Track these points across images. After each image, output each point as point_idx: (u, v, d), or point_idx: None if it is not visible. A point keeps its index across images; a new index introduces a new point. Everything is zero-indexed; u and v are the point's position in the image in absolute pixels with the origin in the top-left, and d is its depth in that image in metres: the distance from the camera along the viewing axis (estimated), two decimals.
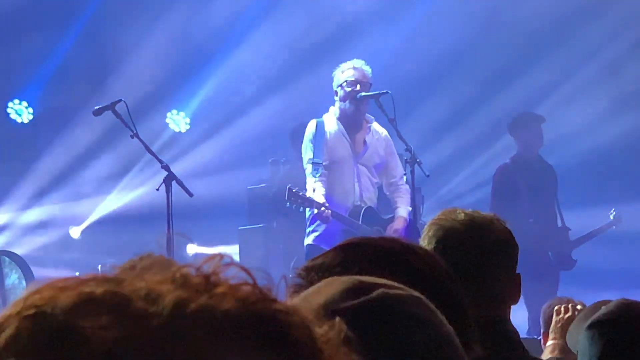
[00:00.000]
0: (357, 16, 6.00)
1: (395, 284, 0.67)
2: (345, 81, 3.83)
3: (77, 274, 0.42)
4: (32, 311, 0.36)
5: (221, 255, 0.40)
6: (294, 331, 0.38)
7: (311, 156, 3.94)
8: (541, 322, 2.47)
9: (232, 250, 5.05)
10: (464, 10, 6.30)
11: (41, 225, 5.80)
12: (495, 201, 4.88)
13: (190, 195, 4.08)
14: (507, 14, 6.23)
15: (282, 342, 0.38)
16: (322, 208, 3.70)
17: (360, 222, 3.81)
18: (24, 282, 4.87)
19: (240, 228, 5.48)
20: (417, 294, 0.66)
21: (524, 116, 5.04)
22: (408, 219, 3.88)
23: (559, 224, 4.96)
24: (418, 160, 3.85)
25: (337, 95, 3.95)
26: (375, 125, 4.05)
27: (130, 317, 0.35)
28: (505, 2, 6.32)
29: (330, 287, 0.67)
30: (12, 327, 0.36)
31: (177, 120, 6.49)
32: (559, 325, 2.13)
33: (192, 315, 0.36)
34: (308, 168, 3.93)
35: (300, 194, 3.78)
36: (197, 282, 0.37)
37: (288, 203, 3.78)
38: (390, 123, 3.89)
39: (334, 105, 4.05)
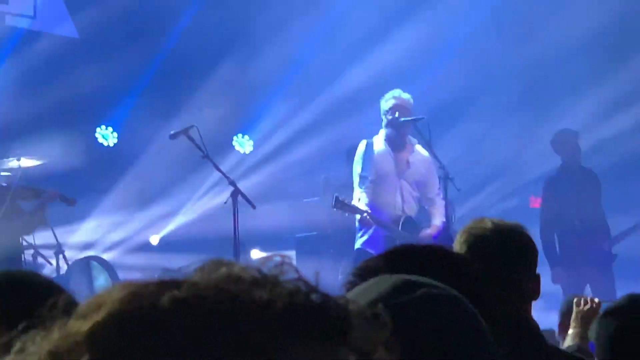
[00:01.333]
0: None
1: (439, 284, 0.67)
2: (389, 109, 4.00)
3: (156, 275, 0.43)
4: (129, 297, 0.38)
5: (281, 257, 0.40)
6: (353, 319, 0.38)
7: (360, 170, 4.14)
8: (559, 314, 2.56)
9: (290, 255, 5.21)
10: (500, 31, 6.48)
11: (125, 233, 6.05)
12: (545, 207, 5.20)
13: (254, 207, 4.26)
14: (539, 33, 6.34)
15: (343, 329, 0.38)
16: (365, 214, 3.84)
17: (400, 229, 3.94)
18: (110, 284, 5.00)
19: (297, 235, 5.64)
20: (456, 293, 0.66)
21: (562, 133, 5.30)
22: (441, 227, 4.01)
23: (602, 222, 5.04)
24: (450, 176, 3.98)
25: (383, 121, 4.12)
26: (418, 147, 4.21)
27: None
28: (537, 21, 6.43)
29: (380, 284, 0.67)
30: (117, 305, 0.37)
31: (242, 143, 6.70)
32: (580, 316, 2.24)
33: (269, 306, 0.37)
34: (356, 181, 4.12)
35: (346, 201, 3.97)
36: (264, 279, 0.38)
37: (335, 209, 3.93)
38: (426, 144, 4.03)
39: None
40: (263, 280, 0.38)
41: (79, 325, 0.37)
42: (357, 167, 4.21)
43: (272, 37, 6.37)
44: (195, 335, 0.36)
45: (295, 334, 0.36)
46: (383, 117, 4.20)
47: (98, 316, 0.36)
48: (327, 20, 6.63)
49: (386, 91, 4.26)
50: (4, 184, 4.68)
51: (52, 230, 4.87)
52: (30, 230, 4.74)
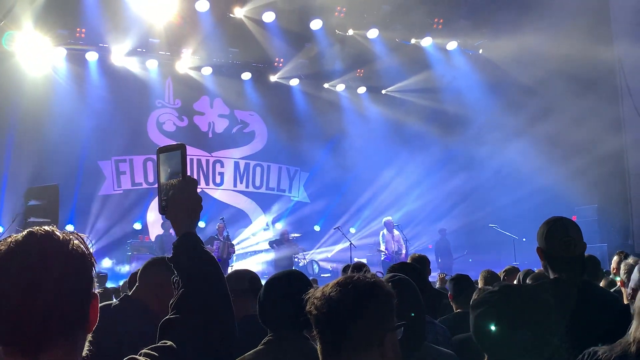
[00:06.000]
0: None
1: (402, 275, 2.31)
2: (386, 222, 14.48)
3: None
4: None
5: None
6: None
7: (381, 240, 14.48)
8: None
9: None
10: None
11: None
12: None
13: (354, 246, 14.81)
14: None
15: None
16: (385, 252, 14.25)
17: (394, 255, 14.35)
18: (316, 271, 15.49)
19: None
20: (408, 278, 2.26)
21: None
22: (405, 254, 14.38)
23: None
24: (407, 240, 14.43)
25: (385, 226, 14.55)
26: (395, 231, 14.63)
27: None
28: None
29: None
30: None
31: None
32: None
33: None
34: (381, 243, 14.40)
35: (378, 248, 14.32)
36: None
37: (377, 251, 14.39)
38: (401, 231, 14.55)
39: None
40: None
41: None
42: (380, 238, 14.51)
43: None
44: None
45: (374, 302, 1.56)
46: (384, 223, 14.50)
47: None
48: None
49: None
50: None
51: (303, 252, 15.26)
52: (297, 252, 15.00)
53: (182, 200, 1.69)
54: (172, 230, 14.27)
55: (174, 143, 1.76)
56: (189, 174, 1.73)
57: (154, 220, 14.91)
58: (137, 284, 3.02)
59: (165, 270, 1.90)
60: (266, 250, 14.68)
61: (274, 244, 14.46)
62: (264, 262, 14.76)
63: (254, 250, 15.86)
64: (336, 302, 1.61)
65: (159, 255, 12.79)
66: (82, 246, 1.25)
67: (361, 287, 1.62)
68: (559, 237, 2.77)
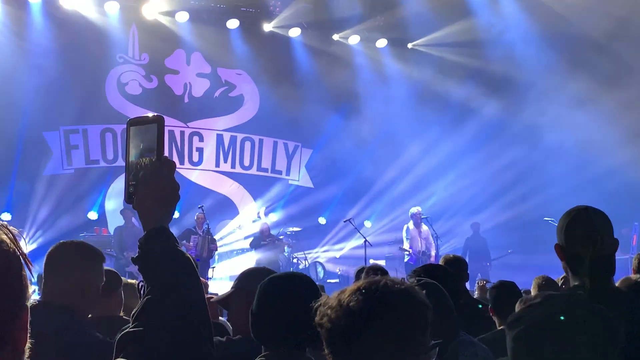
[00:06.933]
0: None
1: (428, 279, 2.97)
2: (412, 213, 14.53)
3: None
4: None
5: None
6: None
7: (405, 235, 14.58)
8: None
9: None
10: None
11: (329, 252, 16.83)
12: None
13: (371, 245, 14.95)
14: None
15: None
16: (410, 251, 14.34)
17: (420, 256, 14.43)
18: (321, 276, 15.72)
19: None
20: (434, 282, 2.92)
21: None
22: (435, 255, 14.39)
23: None
24: (438, 237, 14.49)
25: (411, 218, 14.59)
26: (424, 226, 14.67)
27: None
28: None
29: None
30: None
31: None
32: None
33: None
34: (405, 240, 14.54)
35: (401, 247, 14.44)
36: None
37: (400, 250, 14.50)
38: (428, 224, 14.55)
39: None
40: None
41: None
42: (404, 234, 14.61)
43: None
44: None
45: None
46: (410, 215, 14.62)
47: None
48: None
49: None
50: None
51: (304, 252, 15.61)
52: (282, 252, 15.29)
53: (155, 185, 1.70)
54: (135, 221, 13.59)
55: (151, 114, 1.77)
56: (166, 154, 1.75)
57: (114, 209, 14.91)
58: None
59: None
60: (257, 249, 14.77)
61: (252, 244, 14.61)
62: (253, 263, 14.84)
63: (241, 248, 15.93)
64: (358, 314, 1.61)
65: (117, 253, 13.42)
66: (9, 243, 1.19)
67: (390, 295, 1.62)
68: (582, 230, 2.78)
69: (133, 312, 1.66)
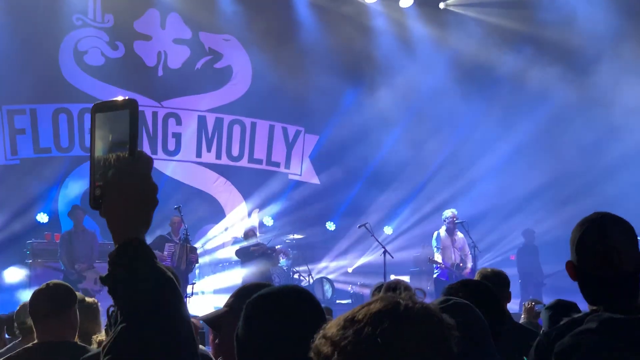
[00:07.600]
0: None
1: (459, 299, 2.92)
2: (446, 217, 14.55)
3: None
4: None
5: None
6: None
7: (435, 244, 14.59)
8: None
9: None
10: None
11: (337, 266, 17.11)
12: None
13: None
14: None
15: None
16: (441, 264, 14.37)
17: (454, 270, 14.47)
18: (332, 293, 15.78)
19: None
20: (467, 302, 2.84)
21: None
22: (470, 269, 14.46)
23: None
24: (476, 246, 14.53)
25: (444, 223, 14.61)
26: (459, 233, 14.72)
27: None
28: None
29: (437, 301, 2.88)
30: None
31: None
32: None
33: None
34: (435, 250, 14.59)
35: (431, 258, 14.45)
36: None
37: (429, 262, 14.54)
38: (464, 231, 14.58)
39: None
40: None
41: None
42: (434, 242, 14.66)
43: None
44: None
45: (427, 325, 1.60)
46: (444, 220, 14.66)
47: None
48: None
49: None
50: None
51: (307, 265, 15.72)
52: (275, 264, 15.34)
53: (127, 187, 1.71)
54: (86, 228, 14.22)
55: (121, 98, 1.75)
56: (140, 149, 1.75)
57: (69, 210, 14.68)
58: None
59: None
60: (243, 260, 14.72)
61: (239, 254, 14.39)
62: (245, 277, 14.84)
63: (227, 259, 15.86)
64: (372, 340, 1.58)
65: (66, 265, 13.24)
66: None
67: (413, 316, 1.64)
68: (595, 245, 2.80)
69: (104, 344, 1.65)
